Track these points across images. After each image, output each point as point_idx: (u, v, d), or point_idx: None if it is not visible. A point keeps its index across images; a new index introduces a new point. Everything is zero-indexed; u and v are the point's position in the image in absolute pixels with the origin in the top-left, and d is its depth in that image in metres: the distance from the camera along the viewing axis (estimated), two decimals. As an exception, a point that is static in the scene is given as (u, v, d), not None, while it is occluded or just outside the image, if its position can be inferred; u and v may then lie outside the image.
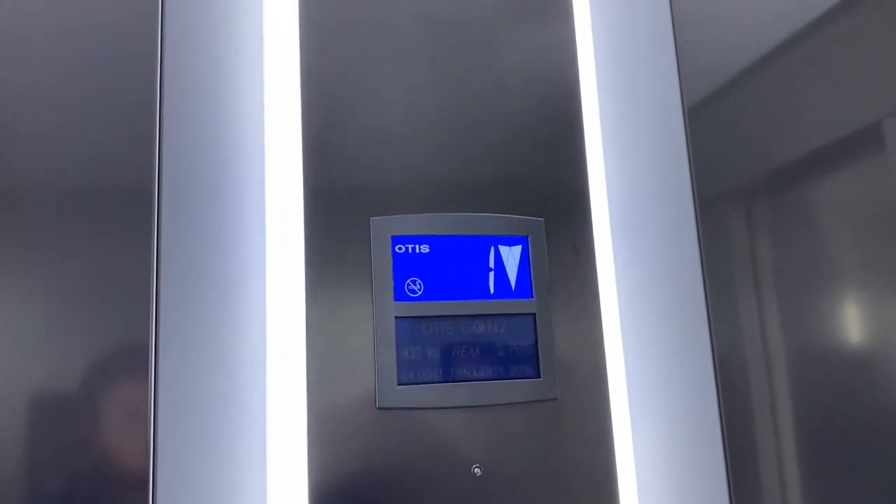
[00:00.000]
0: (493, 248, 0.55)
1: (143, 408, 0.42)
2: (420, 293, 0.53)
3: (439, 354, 0.52)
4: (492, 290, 0.54)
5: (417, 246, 0.54)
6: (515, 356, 0.54)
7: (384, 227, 0.53)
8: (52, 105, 0.45)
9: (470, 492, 0.51)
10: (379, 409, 0.51)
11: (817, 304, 0.56)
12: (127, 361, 0.43)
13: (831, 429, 0.54)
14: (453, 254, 0.54)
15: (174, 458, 0.44)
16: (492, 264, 0.55)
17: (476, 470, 0.51)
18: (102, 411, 0.42)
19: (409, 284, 0.53)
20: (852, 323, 0.57)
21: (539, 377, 0.54)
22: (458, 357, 0.53)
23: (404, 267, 0.53)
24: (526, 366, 0.54)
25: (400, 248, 0.53)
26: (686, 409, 0.56)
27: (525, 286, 0.55)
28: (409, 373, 0.51)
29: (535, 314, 0.55)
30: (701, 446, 0.54)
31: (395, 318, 0.52)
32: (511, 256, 0.55)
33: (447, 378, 0.52)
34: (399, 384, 0.51)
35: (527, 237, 0.56)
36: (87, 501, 0.40)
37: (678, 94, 0.57)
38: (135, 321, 0.43)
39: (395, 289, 0.52)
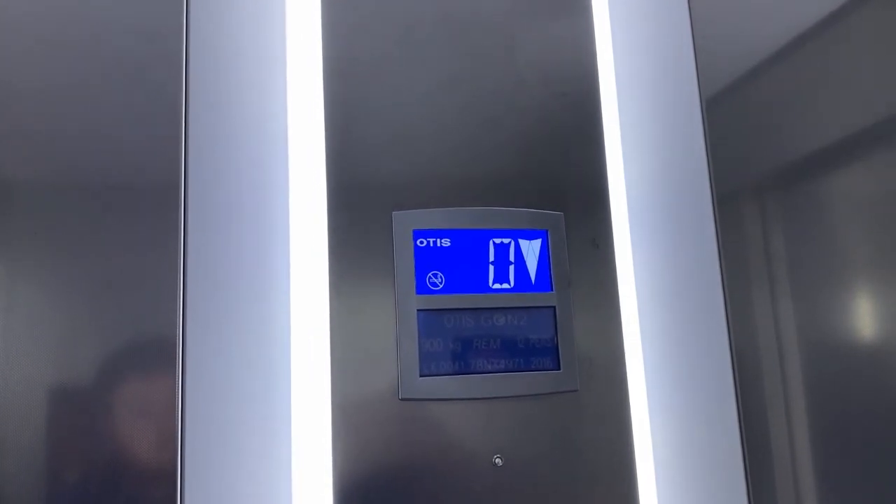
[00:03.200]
0: (513, 242, 0.55)
1: (170, 401, 0.43)
2: (441, 286, 0.53)
3: (460, 346, 0.53)
4: (512, 284, 0.55)
5: (439, 239, 0.54)
6: (535, 348, 0.54)
7: (406, 221, 0.54)
8: (80, 104, 0.46)
9: (491, 482, 0.52)
10: (401, 400, 0.51)
11: (834, 295, 0.56)
12: (154, 355, 0.43)
13: (846, 418, 0.54)
14: (474, 247, 0.55)
15: (201, 451, 0.45)
16: (512, 258, 0.55)
17: (497, 460, 0.52)
18: (130, 406, 0.42)
19: (430, 277, 0.53)
20: (870, 315, 0.57)
21: (559, 369, 0.54)
22: (479, 349, 0.53)
23: (426, 260, 0.54)
24: (546, 358, 0.54)
25: (421, 242, 0.54)
26: (704, 400, 0.56)
27: (545, 279, 0.56)
28: (430, 365, 0.52)
29: (554, 307, 0.55)
30: (718, 438, 0.54)
31: (417, 310, 0.52)
32: (531, 250, 0.56)
33: (468, 370, 0.53)
34: (421, 376, 0.52)
35: (546, 231, 0.56)
36: (116, 494, 0.41)
37: (696, 88, 0.57)
38: (162, 316, 0.44)
39: (416, 282, 0.53)
